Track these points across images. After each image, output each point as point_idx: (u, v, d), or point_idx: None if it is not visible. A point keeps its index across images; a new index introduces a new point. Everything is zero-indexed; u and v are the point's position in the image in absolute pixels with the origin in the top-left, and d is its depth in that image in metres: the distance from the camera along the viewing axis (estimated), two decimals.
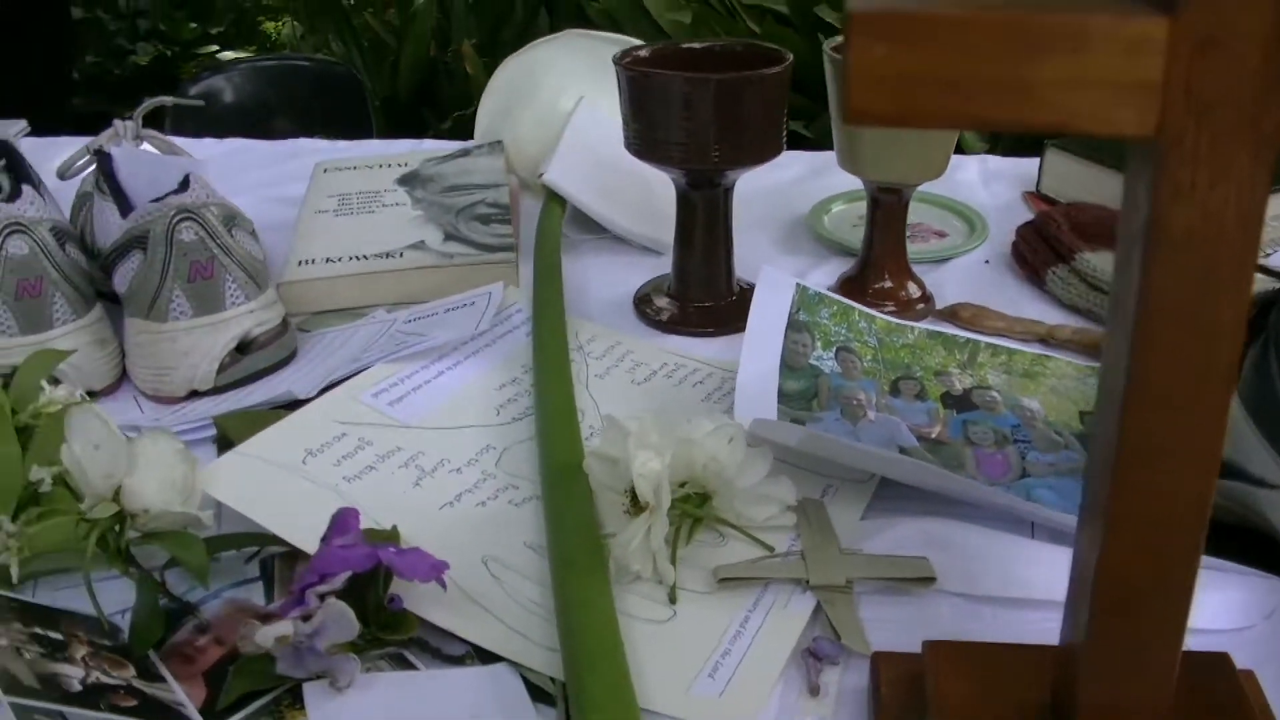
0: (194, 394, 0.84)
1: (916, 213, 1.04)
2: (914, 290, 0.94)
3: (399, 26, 3.13)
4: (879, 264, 0.94)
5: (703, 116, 0.84)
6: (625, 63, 0.88)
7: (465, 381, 0.82)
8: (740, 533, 0.68)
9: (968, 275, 1.01)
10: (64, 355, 0.80)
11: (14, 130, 0.96)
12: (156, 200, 0.83)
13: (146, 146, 0.95)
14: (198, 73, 2.62)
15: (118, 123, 0.93)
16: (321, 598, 0.59)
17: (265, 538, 0.68)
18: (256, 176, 1.21)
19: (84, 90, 3.44)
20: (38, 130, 1.42)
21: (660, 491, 0.63)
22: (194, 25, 3.66)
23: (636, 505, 0.65)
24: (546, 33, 3.07)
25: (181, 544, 0.66)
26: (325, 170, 1.14)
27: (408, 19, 3.06)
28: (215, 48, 3.63)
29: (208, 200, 0.83)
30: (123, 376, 0.87)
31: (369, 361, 0.82)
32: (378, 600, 0.62)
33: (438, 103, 2.93)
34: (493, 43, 2.98)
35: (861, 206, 1.12)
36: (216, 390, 0.84)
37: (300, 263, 0.96)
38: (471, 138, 1.24)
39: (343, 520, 0.64)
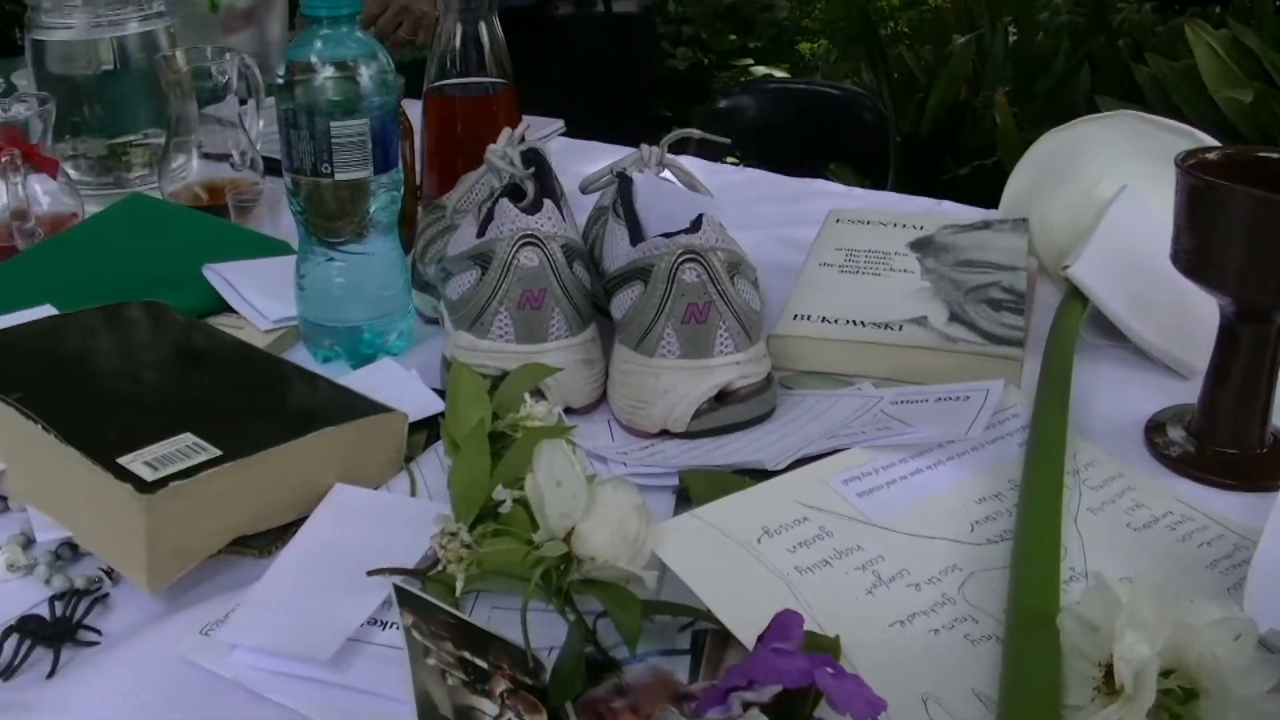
0: (665, 433, 0.83)
1: None
2: None
3: (931, 64, 3.07)
4: None
5: (1272, 243, 0.74)
6: (1187, 166, 0.78)
7: (943, 486, 0.76)
8: None
9: None
10: (551, 371, 0.81)
11: (550, 130, 0.98)
12: (666, 236, 0.81)
13: (667, 174, 0.94)
14: (729, 85, 2.66)
15: (644, 147, 0.93)
16: (745, 706, 0.55)
17: (703, 612, 0.65)
18: (769, 211, 1.19)
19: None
20: (572, 126, 1.47)
21: (1144, 683, 0.55)
22: (733, 37, 3.75)
23: (1110, 686, 0.57)
24: (1086, 89, 2.96)
25: (619, 600, 0.64)
26: (838, 220, 1.11)
27: (942, 58, 2.99)
28: (749, 61, 3.71)
29: (716, 244, 0.81)
30: (602, 399, 0.87)
31: (847, 443, 0.78)
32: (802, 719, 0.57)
33: (959, 147, 2.85)
34: (1026, 93, 2.87)
35: None
36: (689, 434, 0.82)
37: (796, 316, 0.93)
38: (988, 190, 1.17)
39: (785, 623, 0.59)
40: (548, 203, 0.84)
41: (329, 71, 0.85)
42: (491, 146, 0.94)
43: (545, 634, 0.65)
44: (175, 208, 1.11)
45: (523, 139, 0.96)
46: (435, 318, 0.97)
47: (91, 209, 1.13)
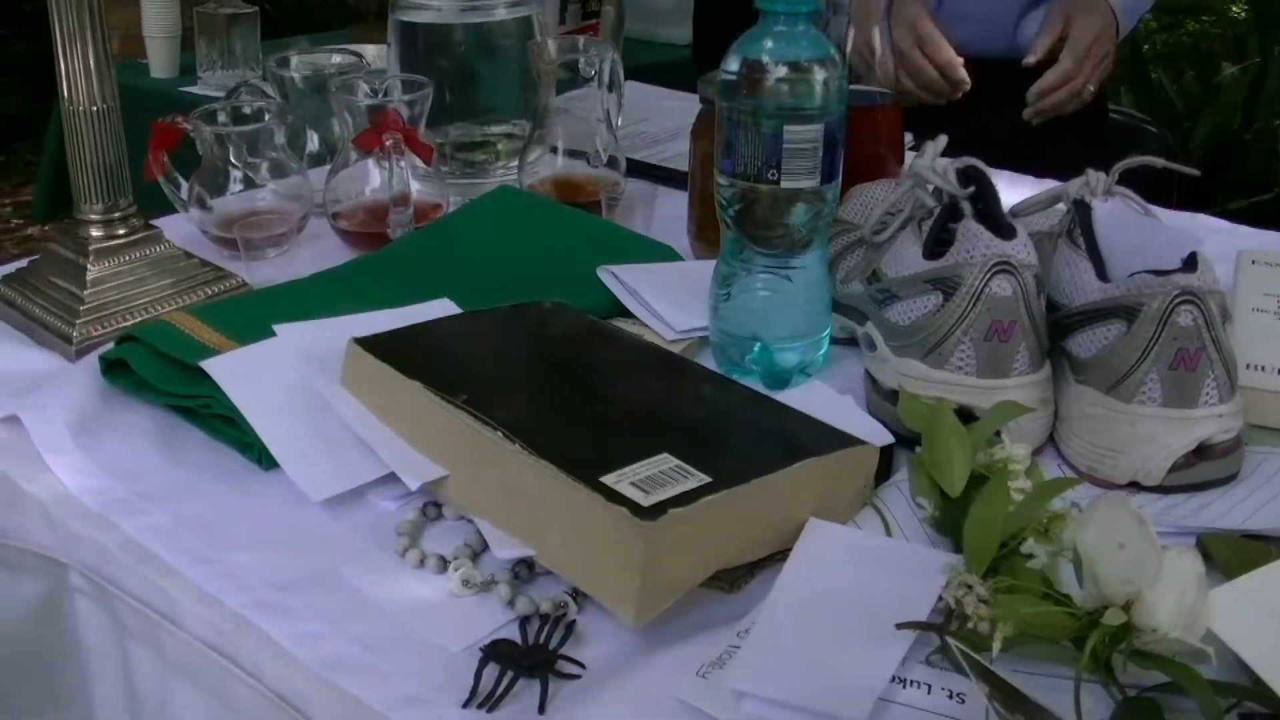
0: (1134, 485, 0.76)
1: None
2: None
3: (1195, 92, 2.93)
4: None
5: None
6: None
7: None
8: None
9: None
10: (1025, 410, 0.75)
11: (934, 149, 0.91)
12: (1157, 273, 0.75)
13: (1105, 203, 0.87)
14: None
15: (1091, 173, 0.86)
16: None
17: (1251, 690, 0.58)
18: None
19: None
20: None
21: None
22: None
23: None
24: None
25: (1190, 678, 0.57)
26: (1254, 262, 1.02)
27: (1210, 86, 2.85)
28: None
29: (1213, 286, 0.74)
30: (1048, 441, 0.80)
31: None
32: None
33: (1228, 180, 2.71)
34: None
35: None
36: (1161, 489, 0.75)
37: (1248, 366, 0.85)
38: (1269, 226, 1.08)
39: None
40: (1020, 228, 0.78)
41: (783, 72, 0.79)
42: (918, 160, 0.87)
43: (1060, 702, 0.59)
44: (548, 202, 1.06)
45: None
46: (843, 338, 0.91)
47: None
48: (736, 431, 0.74)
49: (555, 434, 0.69)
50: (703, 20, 2.09)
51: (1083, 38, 1.50)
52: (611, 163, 1.12)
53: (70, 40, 0.91)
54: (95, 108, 0.93)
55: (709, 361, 0.88)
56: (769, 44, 0.80)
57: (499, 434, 0.68)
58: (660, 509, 0.61)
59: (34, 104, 4.56)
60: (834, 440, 0.71)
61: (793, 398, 0.80)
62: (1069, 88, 1.51)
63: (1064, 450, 0.79)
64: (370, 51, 1.33)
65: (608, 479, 0.64)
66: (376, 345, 0.78)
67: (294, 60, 1.15)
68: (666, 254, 1.00)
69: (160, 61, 2.24)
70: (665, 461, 0.66)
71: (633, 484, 0.63)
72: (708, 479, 0.64)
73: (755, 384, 0.85)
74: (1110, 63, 1.55)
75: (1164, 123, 2.91)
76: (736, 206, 0.82)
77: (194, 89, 2.16)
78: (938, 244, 0.81)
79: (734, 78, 0.80)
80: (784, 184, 0.80)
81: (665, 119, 1.42)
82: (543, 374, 0.80)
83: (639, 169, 1.19)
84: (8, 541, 0.80)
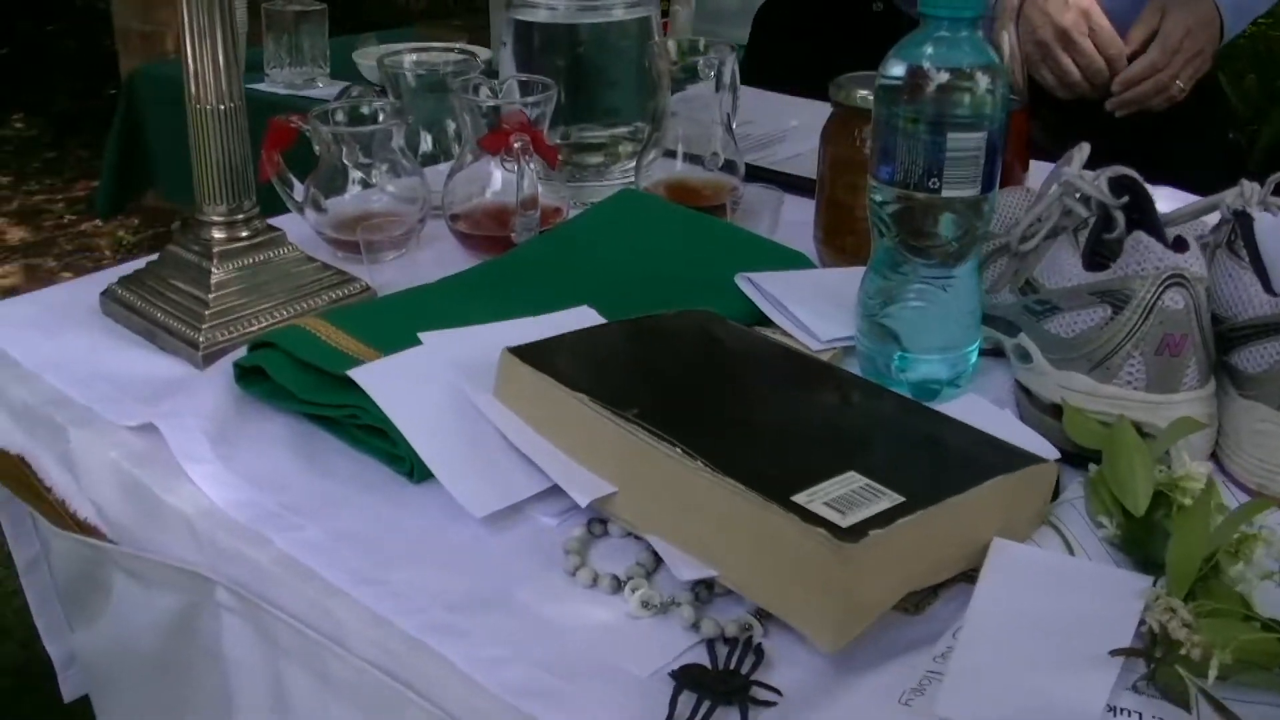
0: None
1: None
2: None
3: (1257, 96, 2.90)
4: None
5: None
6: None
7: None
8: None
9: None
10: (1201, 426, 0.73)
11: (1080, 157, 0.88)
12: None
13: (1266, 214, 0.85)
14: None
15: (1245, 184, 0.84)
16: None
17: None
18: None
19: None
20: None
21: None
22: None
23: None
24: None
25: None
26: None
27: (1272, 91, 2.82)
28: None
29: None
30: (1210, 457, 0.79)
31: None
32: None
33: None
34: None
35: None
36: None
37: None
38: None
39: None
40: (1192, 241, 0.76)
41: (945, 78, 0.78)
42: (1066, 169, 0.85)
43: None
44: (675, 206, 1.04)
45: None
46: (986, 349, 0.89)
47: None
48: (917, 448, 0.72)
49: (734, 450, 0.67)
50: (760, 26, 2.04)
51: (1174, 31, 1.47)
52: (729, 166, 1.10)
53: (200, 39, 0.90)
54: (223, 106, 0.92)
55: (854, 371, 0.86)
56: (931, 49, 0.78)
57: (677, 450, 0.67)
58: (861, 530, 0.60)
59: (84, 100, 4.58)
60: (1016, 457, 0.69)
61: (953, 410, 0.79)
62: (1154, 81, 1.47)
63: (1228, 466, 0.78)
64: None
65: (799, 498, 0.62)
66: (531, 355, 0.77)
67: (407, 59, 1.13)
68: (799, 260, 0.98)
69: None
70: (854, 480, 0.64)
71: (826, 504, 0.62)
72: (901, 499, 0.63)
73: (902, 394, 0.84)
74: (1205, 60, 1.50)
75: (1231, 126, 2.89)
76: (893, 214, 0.80)
77: (260, 86, 2.15)
78: (1094, 254, 0.80)
79: (895, 83, 0.79)
80: (945, 193, 0.78)
81: (769, 121, 1.40)
82: (704, 385, 0.78)
83: (754, 173, 1.17)
84: (147, 555, 0.79)
